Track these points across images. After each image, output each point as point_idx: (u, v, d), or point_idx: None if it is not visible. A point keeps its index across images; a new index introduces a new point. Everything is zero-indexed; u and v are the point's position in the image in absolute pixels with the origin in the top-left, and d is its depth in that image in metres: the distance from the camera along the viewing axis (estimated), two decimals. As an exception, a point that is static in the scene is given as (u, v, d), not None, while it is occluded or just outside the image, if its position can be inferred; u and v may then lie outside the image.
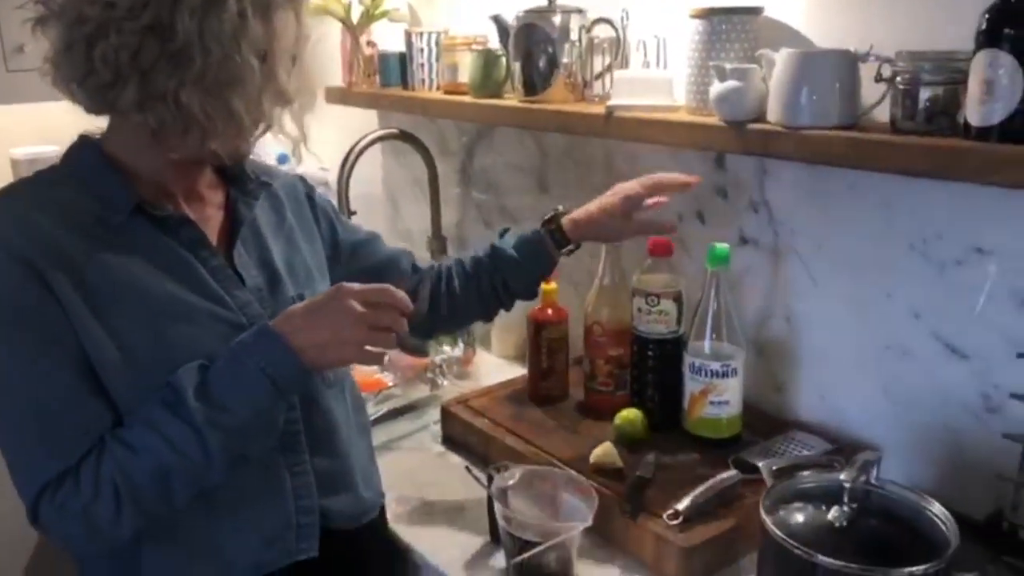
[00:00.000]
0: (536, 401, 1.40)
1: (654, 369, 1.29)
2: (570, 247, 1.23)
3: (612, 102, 1.36)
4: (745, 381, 1.37)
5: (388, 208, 2.36)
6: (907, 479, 1.20)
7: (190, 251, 0.95)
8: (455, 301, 1.23)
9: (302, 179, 1.19)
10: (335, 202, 1.86)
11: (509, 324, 1.71)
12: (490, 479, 1.09)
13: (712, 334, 1.20)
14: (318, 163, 2.33)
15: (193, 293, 0.93)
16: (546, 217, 1.23)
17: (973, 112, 0.95)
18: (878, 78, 1.06)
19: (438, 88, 1.82)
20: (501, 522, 1.04)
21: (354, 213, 1.99)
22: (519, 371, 1.57)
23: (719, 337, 1.20)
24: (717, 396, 1.22)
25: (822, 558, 0.79)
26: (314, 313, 0.90)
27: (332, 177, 2.04)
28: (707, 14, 1.23)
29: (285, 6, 0.89)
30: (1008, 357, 1.07)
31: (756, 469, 1.14)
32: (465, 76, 1.74)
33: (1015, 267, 1.06)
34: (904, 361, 1.20)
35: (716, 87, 1.18)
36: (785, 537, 0.82)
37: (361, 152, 1.87)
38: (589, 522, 0.99)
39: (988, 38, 0.93)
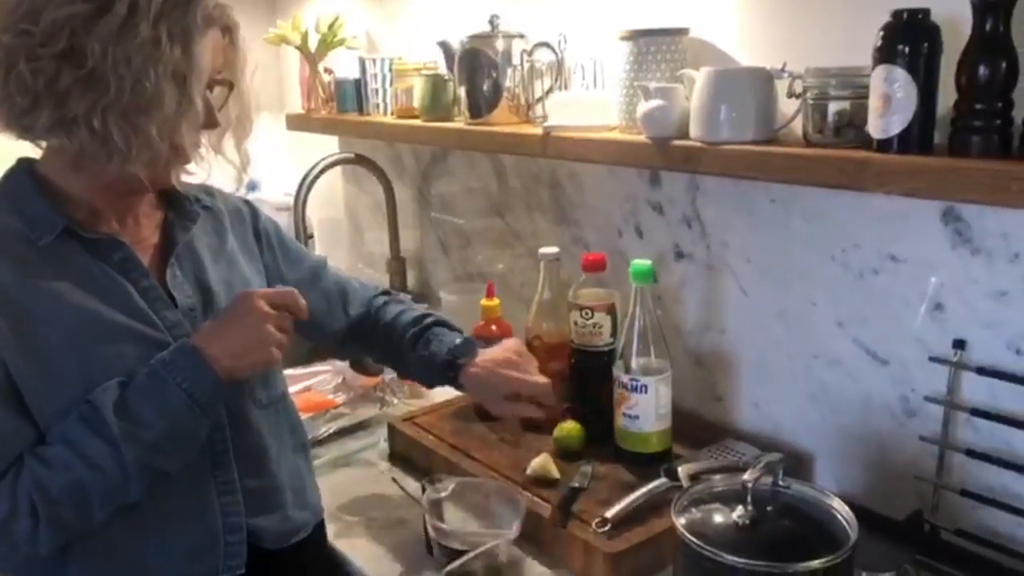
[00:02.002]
0: (481, 416, 1.42)
1: (590, 381, 1.32)
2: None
3: (549, 123, 1.40)
4: (685, 392, 1.40)
5: (351, 232, 2.39)
6: (836, 483, 1.24)
7: (120, 273, 0.97)
8: (382, 349, 1.25)
9: (248, 204, 1.20)
10: (293, 227, 1.90)
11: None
12: (424, 492, 1.11)
13: (639, 348, 1.23)
14: (283, 189, 2.37)
15: (121, 313, 0.94)
16: (459, 346, 1.17)
17: (874, 125, 0.99)
18: (790, 94, 1.10)
19: (392, 113, 1.86)
20: (431, 533, 1.06)
21: (311, 237, 2.02)
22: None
23: (645, 352, 1.23)
24: (628, 409, 1.23)
25: (728, 556, 0.82)
26: (225, 323, 0.93)
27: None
28: (635, 36, 1.27)
29: (206, 32, 0.92)
30: (923, 361, 1.11)
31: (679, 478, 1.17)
32: (413, 101, 1.78)
33: (924, 274, 1.09)
34: (830, 369, 1.23)
35: (642, 106, 1.22)
36: (692, 537, 0.84)
37: (317, 176, 1.90)
38: (515, 532, 1.01)
39: (884, 54, 0.97)
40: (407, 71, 1.81)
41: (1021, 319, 1.02)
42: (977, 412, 1.05)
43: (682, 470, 1.00)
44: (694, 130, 1.17)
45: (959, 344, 1.07)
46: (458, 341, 1.18)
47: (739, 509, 0.85)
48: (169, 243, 1.04)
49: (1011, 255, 1.01)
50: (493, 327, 1.44)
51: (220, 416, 0.98)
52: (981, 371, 1.04)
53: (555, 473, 1.21)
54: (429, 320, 1.22)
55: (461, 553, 1.02)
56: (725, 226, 1.33)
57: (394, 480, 1.18)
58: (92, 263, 0.96)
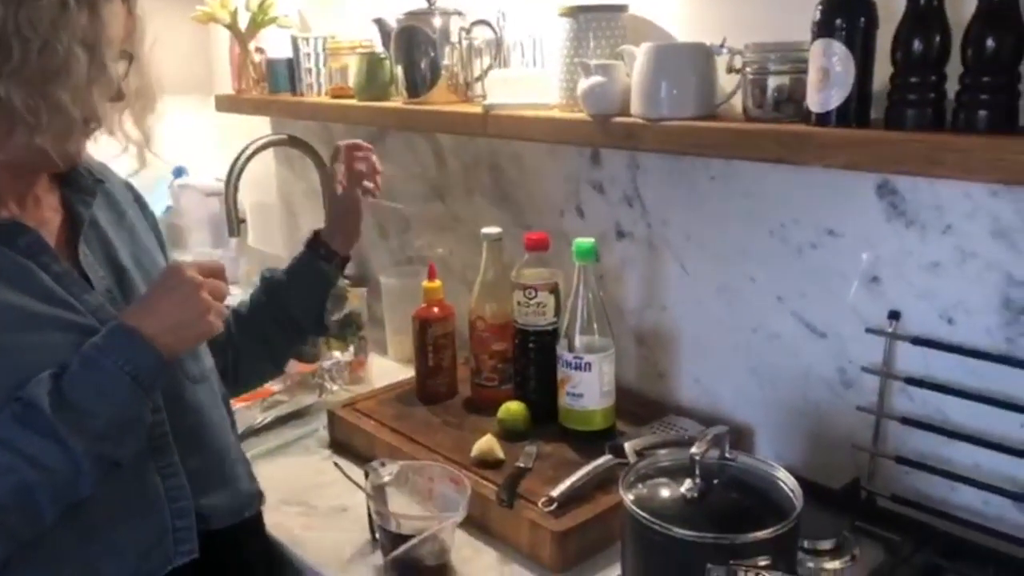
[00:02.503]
0: (424, 400, 1.40)
1: (534, 361, 1.31)
2: (339, 258, 1.24)
3: (488, 101, 1.38)
4: (628, 370, 1.40)
5: (285, 217, 2.33)
6: (777, 455, 1.25)
7: (29, 258, 0.91)
8: (237, 353, 1.20)
9: (131, 186, 1.15)
10: (225, 212, 1.84)
11: (404, 327, 1.71)
12: (366, 476, 1.08)
13: (582, 327, 1.23)
14: (212, 174, 2.30)
15: (38, 301, 0.89)
16: (307, 239, 1.25)
17: (813, 99, 1.00)
18: (730, 69, 1.11)
19: (326, 93, 1.81)
20: (375, 518, 1.04)
21: (243, 221, 1.97)
22: (407, 372, 1.57)
23: (589, 330, 1.23)
24: (572, 387, 1.23)
25: (676, 530, 0.81)
26: (157, 297, 0.90)
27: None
28: (574, 12, 1.26)
29: None
30: (859, 333, 1.13)
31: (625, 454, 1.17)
32: (347, 80, 1.74)
33: (861, 247, 1.11)
34: (769, 343, 1.25)
35: (582, 83, 1.21)
36: (640, 511, 0.84)
37: (248, 159, 1.84)
38: (461, 514, 1.00)
39: (822, 28, 0.98)
40: (341, 50, 1.76)
41: (953, 289, 1.04)
42: (912, 381, 1.08)
43: (628, 446, 1.00)
44: (635, 107, 1.16)
45: (894, 315, 1.09)
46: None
47: (687, 482, 0.85)
48: (72, 222, 0.99)
49: (944, 227, 1.03)
50: (435, 309, 1.41)
51: (155, 397, 0.94)
52: (916, 341, 1.07)
53: (500, 454, 1.20)
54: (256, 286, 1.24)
55: (406, 539, 1.00)
56: (665, 204, 1.34)
57: (336, 465, 1.15)
58: None
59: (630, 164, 1.36)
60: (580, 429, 1.24)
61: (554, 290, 1.29)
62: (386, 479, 1.07)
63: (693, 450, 0.85)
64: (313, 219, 2.17)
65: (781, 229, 1.19)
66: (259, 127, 2.15)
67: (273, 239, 2.34)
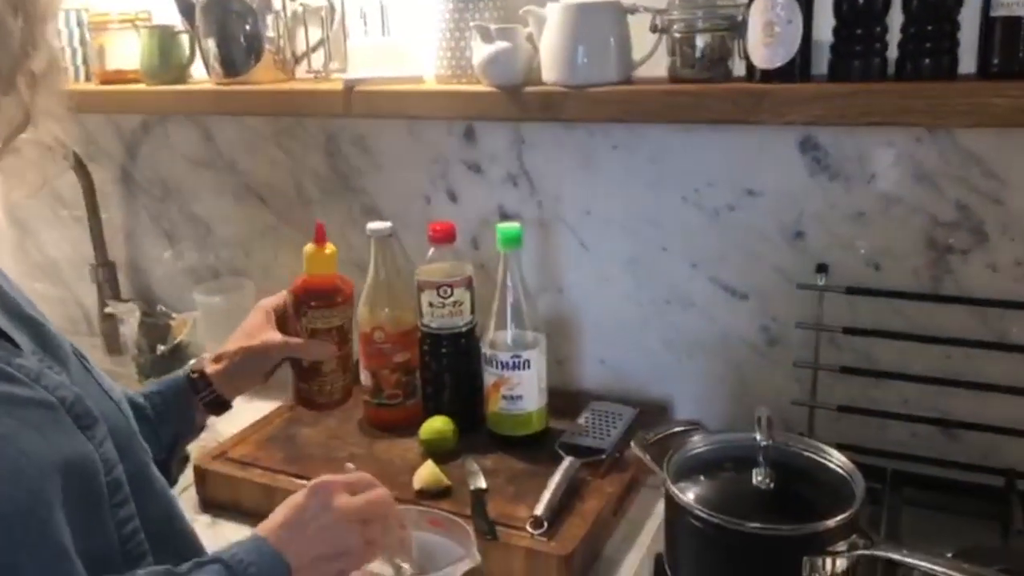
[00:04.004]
0: (307, 405, 1.05)
1: (450, 368, 1.16)
2: (219, 400, 0.95)
3: (348, 76, 1.19)
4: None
5: (15, 237, 1.88)
6: (703, 423, 1.23)
7: None
8: None
9: None
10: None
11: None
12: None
13: (513, 322, 1.11)
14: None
15: None
16: (191, 368, 0.96)
17: (759, 54, 0.97)
18: (653, 28, 1.04)
19: (90, 78, 1.46)
20: (361, 586, 0.84)
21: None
22: (267, 406, 1.31)
23: (520, 324, 1.11)
24: (509, 390, 1.12)
25: (752, 525, 0.74)
26: (307, 520, 0.73)
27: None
28: (453, -29, 1.12)
29: None
30: (783, 291, 1.14)
31: (585, 452, 1.08)
32: (118, 62, 1.43)
33: (782, 205, 1.12)
34: (684, 311, 1.22)
35: (482, 50, 1.08)
36: (704, 509, 0.76)
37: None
38: (476, 558, 0.84)
39: (752, -19, 0.95)
40: (107, 23, 1.43)
41: (877, 236, 1.08)
42: (849, 331, 1.10)
43: (635, 442, 0.90)
44: (550, 74, 1.06)
45: (822, 268, 1.11)
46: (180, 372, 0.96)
47: (756, 472, 0.78)
48: None
49: (868, 176, 1.07)
50: (324, 281, 1.03)
51: (121, 485, 0.68)
52: (849, 291, 1.09)
53: (446, 480, 1.04)
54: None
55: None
56: (558, 179, 1.25)
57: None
58: None
59: (514, 139, 1.25)
60: (516, 435, 1.13)
61: (470, 285, 1.15)
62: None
63: (758, 437, 0.78)
64: (59, 235, 1.78)
65: (695, 194, 1.16)
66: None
67: (4, 265, 1.88)
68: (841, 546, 0.74)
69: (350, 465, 0.88)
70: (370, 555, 0.76)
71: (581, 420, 1.17)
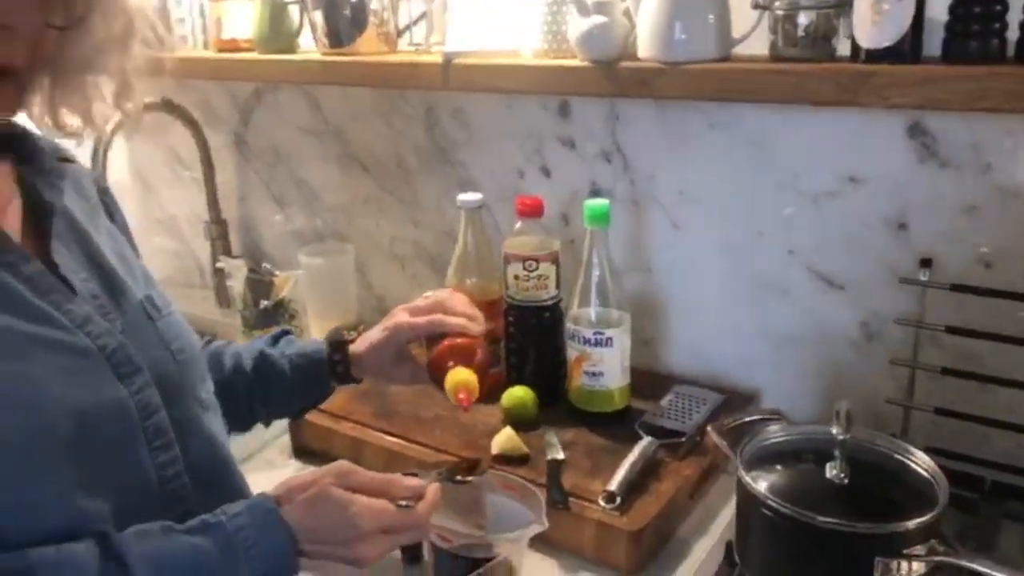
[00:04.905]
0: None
1: (533, 341, 1.17)
2: (348, 372, 0.98)
3: (448, 49, 1.21)
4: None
5: (140, 193, 2.00)
6: (790, 416, 1.20)
7: None
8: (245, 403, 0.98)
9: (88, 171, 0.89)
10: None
11: (328, 311, 1.50)
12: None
13: (597, 299, 1.11)
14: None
15: (8, 315, 0.65)
16: (332, 339, 0.99)
17: (865, 33, 0.93)
18: (755, 5, 1.01)
19: (209, 46, 1.54)
20: (434, 540, 0.87)
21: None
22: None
23: (605, 302, 1.11)
24: (591, 366, 1.12)
25: (824, 519, 0.73)
26: (318, 499, 0.73)
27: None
28: (555, -56, 1.11)
29: None
30: (883, 284, 1.09)
31: (665, 433, 1.07)
32: (233, 31, 1.49)
33: (886, 194, 1.07)
34: (779, 300, 1.19)
35: (579, 24, 1.07)
36: (777, 499, 0.75)
37: (115, 130, 1.53)
38: (544, 523, 0.85)
39: (878, -42, 0.90)
40: (227, -6, 1.49)
41: (990, 233, 1.02)
42: (952, 330, 1.05)
43: (712, 428, 0.90)
44: (646, 49, 1.05)
45: (926, 263, 1.06)
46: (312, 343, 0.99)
47: (831, 465, 0.77)
48: (34, 210, 0.74)
49: (982, 167, 1.01)
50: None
51: (164, 431, 0.72)
52: (956, 288, 1.04)
53: (524, 448, 1.06)
54: (251, 350, 0.99)
55: (469, 562, 0.85)
56: (652, 158, 1.23)
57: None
58: None
59: (608, 116, 1.24)
60: (597, 411, 1.13)
61: (556, 260, 1.15)
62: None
63: (835, 431, 0.76)
64: (179, 194, 1.88)
65: (794, 179, 1.13)
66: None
67: (129, 220, 2.00)
68: (919, 550, 0.71)
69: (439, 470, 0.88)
70: (375, 561, 0.75)
71: (664, 402, 1.17)
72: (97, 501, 0.67)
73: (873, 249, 1.10)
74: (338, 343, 0.98)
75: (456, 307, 0.94)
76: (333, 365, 0.97)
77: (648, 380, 1.25)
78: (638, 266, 1.29)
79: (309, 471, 0.76)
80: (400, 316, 0.95)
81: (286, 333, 1.03)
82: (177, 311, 0.83)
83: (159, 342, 0.77)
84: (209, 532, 0.69)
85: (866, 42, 0.93)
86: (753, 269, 1.19)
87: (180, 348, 0.79)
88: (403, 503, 0.75)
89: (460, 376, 0.87)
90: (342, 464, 0.76)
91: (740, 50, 1.05)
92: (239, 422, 0.97)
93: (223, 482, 0.80)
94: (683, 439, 1.06)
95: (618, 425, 1.11)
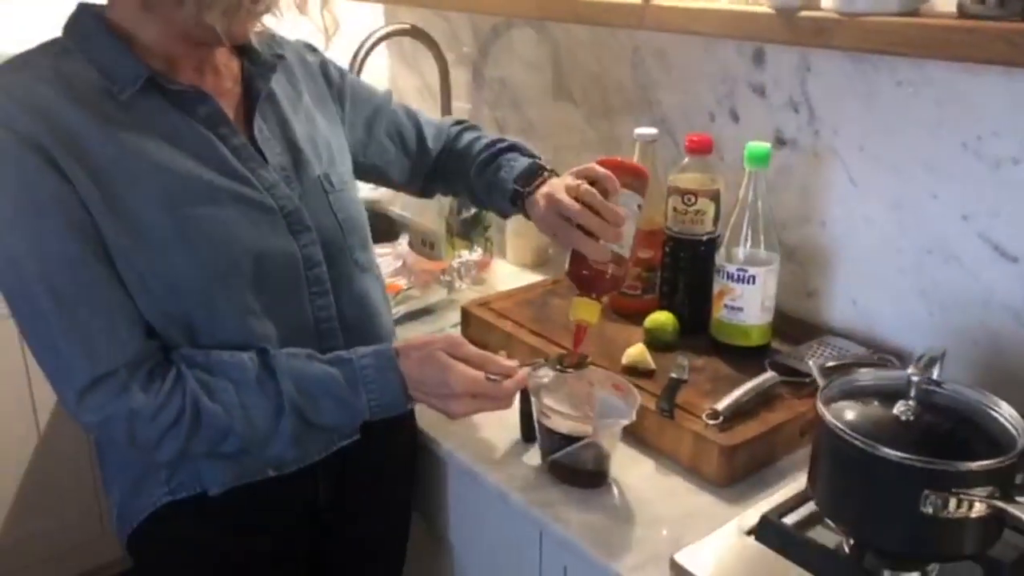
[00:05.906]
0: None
1: (686, 272, 1.25)
2: (518, 196, 1.08)
3: (648, -10, 1.28)
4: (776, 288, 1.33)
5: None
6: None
7: (209, 128, 0.90)
8: (460, 181, 1.21)
9: (313, 49, 1.11)
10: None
11: (525, 230, 1.66)
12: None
13: (748, 238, 1.16)
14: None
15: (214, 172, 0.87)
16: (528, 173, 1.08)
17: (1056, -8, 0.89)
18: (945, -40, 0.99)
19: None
20: (539, 417, 1.01)
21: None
22: (536, 278, 1.54)
23: (755, 242, 1.16)
24: (732, 300, 1.17)
25: (884, 450, 0.76)
26: (430, 357, 0.91)
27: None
28: None
29: None
30: (1060, 259, 1.04)
31: (793, 372, 1.12)
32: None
33: (1076, 165, 1.02)
34: (946, 265, 1.16)
35: (768, -30, 1.10)
36: (845, 428, 0.79)
37: (370, 50, 1.78)
38: (632, 418, 0.96)
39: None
40: (474, -67, 1.66)
41: None
42: (1123, 313, 0.99)
43: (813, 363, 0.94)
44: (830, 0, 1.06)
45: (1108, 241, 0.99)
46: (524, 167, 1.09)
47: (899, 404, 0.80)
48: (249, 95, 0.96)
49: None
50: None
51: (322, 281, 0.92)
52: None
53: (651, 364, 1.15)
54: (502, 145, 1.16)
55: (567, 440, 0.97)
56: (837, 110, 1.24)
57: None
58: (178, 118, 0.88)
59: (799, 65, 1.26)
60: (734, 344, 1.19)
61: (715, 197, 1.21)
62: (545, 380, 1.04)
63: (910, 371, 0.79)
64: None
65: (977, 142, 1.09)
66: (370, 16, 2.07)
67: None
68: (975, 492, 0.73)
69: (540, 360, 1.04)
70: (463, 416, 0.93)
71: (803, 346, 1.20)
72: (267, 326, 0.89)
73: (1051, 222, 1.05)
74: (530, 176, 1.07)
75: (601, 209, 0.98)
76: (514, 199, 1.08)
77: (804, 330, 1.28)
78: (812, 217, 1.31)
79: (427, 334, 0.93)
80: (565, 183, 1.00)
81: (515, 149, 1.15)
82: (352, 189, 1.03)
83: (329, 211, 0.97)
84: (341, 364, 0.88)
85: (1057, -1, 0.89)
86: (923, 231, 1.18)
87: (346, 218, 0.98)
88: (493, 377, 0.89)
89: (580, 312, 1.01)
90: (453, 336, 0.94)
91: (936, 7, 1.03)
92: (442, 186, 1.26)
93: (368, 332, 0.99)
94: (807, 379, 1.10)
95: (751, 359, 1.17)
